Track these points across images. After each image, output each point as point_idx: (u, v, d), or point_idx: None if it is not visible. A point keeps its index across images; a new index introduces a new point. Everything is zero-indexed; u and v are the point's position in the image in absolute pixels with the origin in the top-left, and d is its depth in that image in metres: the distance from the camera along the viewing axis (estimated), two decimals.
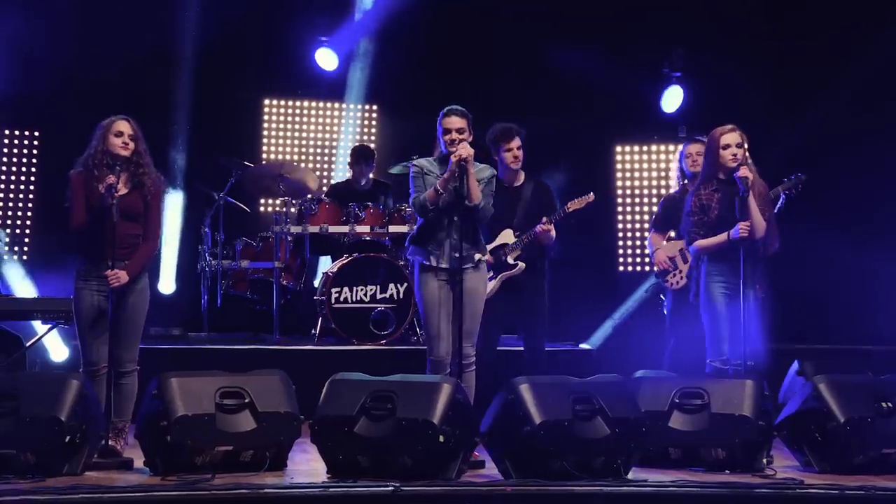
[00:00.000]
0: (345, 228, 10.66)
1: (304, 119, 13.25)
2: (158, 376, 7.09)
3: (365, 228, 10.71)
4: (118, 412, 7.50)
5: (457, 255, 7.65)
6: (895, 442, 7.42)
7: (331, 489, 6.45)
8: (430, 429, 6.71)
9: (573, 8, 12.22)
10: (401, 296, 10.47)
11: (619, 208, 12.79)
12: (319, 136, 13.26)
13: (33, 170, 11.85)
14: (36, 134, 11.86)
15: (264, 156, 12.97)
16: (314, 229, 10.69)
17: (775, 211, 8.75)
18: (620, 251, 12.75)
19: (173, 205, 11.91)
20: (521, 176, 8.89)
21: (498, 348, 9.01)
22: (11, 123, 11.84)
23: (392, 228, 10.69)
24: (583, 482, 6.67)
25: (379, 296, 10.47)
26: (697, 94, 12.37)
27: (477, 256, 7.85)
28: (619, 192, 12.82)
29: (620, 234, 12.72)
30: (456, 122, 7.74)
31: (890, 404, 7.46)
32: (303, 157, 13.12)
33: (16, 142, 11.84)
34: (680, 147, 9.56)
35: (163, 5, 11.91)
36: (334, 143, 13.22)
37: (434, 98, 11.91)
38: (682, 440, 7.46)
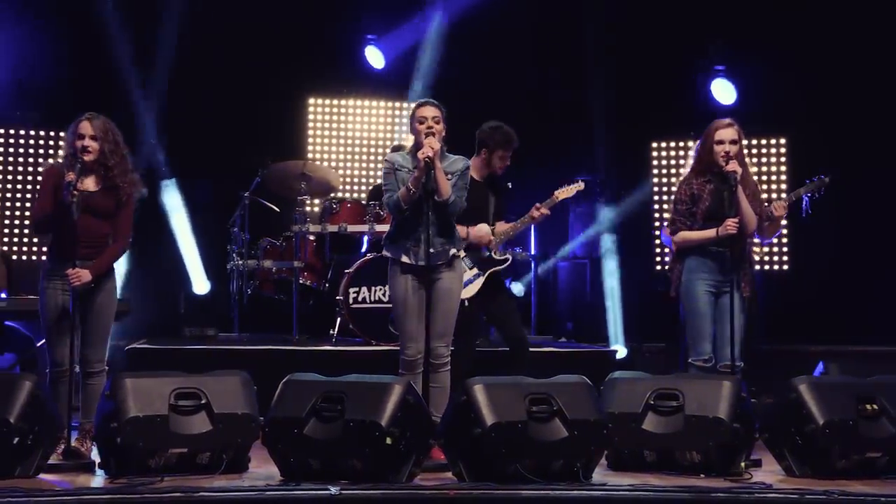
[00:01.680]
0: (364, 227, 10.40)
1: (350, 117, 13.08)
2: (112, 377, 6.92)
3: (384, 227, 10.35)
4: (85, 413, 7.33)
5: (431, 250, 7.35)
6: (881, 445, 7.00)
7: (267, 492, 6.20)
8: (377, 430, 6.45)
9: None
10: None
11: (656, 206, 12.33)
12: (365, 134, 13.06)
13: None
14: (61, 135, 11.72)
15: (310, 154, 12.82)
16: (333, 228, 10.46)
17: (802, 214, 8.34)
18: (657, 248, 12.25)
19: (206, 204, 11.74)
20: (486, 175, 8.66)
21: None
22: (39, 124, 11.78)
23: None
24: (530, 486, 6.35)
25: None
26: (736, 88, 11.88)
27: (451, 252, 7.56)
28: (656, 188, 12.37)
29: (657, 231, 12.23)
30: (430, 111, 7.48)
31: (875, 406, 7.01)
32: (348, 156, 12.95)
33: (41, 142, 11.81)
34: None
35: (208, 4, 11.79)
36: (380, 142, 12.99)
37: (477, 96, 11.85)
38: (656, 443, 7.09)
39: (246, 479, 6.69)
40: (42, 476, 6.75)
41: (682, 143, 12.30)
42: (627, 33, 11.96)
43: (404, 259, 7.51)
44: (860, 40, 11.49)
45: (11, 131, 11.77)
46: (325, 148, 12.95)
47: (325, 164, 12.61)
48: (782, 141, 12.10)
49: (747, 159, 8.11)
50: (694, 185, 7.86)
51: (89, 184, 7.29)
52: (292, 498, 6.17)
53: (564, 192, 8.63)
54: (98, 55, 11.56)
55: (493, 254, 8.52)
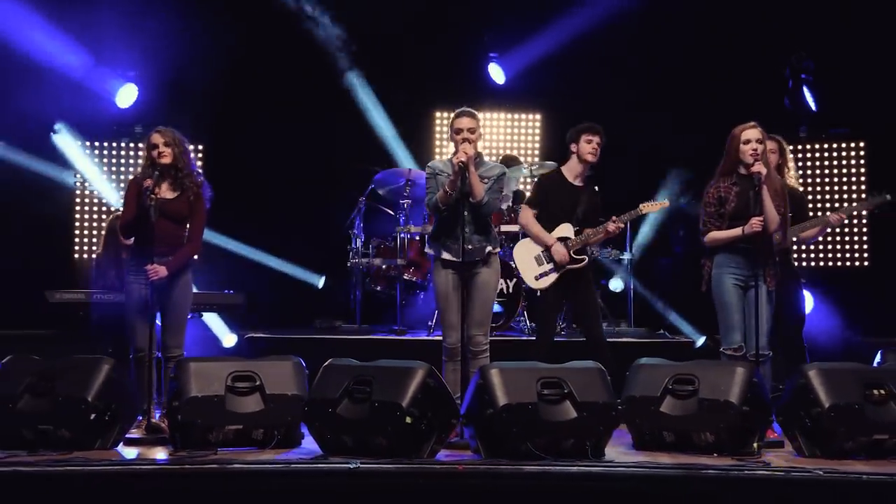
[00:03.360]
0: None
1: None
2: (177, 361, 7.27)
3: None
4: (166, 393, 7.68)
5: (469, 247, 7.51)
6: (888, 428, 6.88)
7: (293, 465, 6.45)
8: (398, 411, 6.62)
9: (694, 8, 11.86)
10: (510, 290, 10.32)
11: None
12: (486, 143, 13.20)
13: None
14: (200, 147, 12.26)
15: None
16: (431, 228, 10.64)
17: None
18: None
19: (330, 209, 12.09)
20: (584, 177, 8.64)
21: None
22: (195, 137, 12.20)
23: (504, 227, 10.53)
24: (536, 461, 6.45)
25: None
26: (818, 95, 11.71)
27: (488, 249, 7.69)
28: None
29: None
30: (466, 122, 7.66)
31: (882, 391, 6.88)
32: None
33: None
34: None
35: (340, 25, 12.19)
36: (501, 150, 13.15)
37: (586, 105, 11.88)
38: (673, 424, 7.09)
39: (294, 454, 6.92)
40: (121, 448, 7.16)
41: None
42: (716, 43, 11.83)
43: (444, 255, 7.69)
44: None
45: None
46: (450, 155, 13.10)
47: None
48: (861, 144, 11.84)
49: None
50: (721, 188, 7.82)
51: (165, 191, 7.69)
52: (316, 471, 6.41)
53: (648, 207, 8.59)
54: (236, 71, 12.06)
55: (570, 254, 8.55)
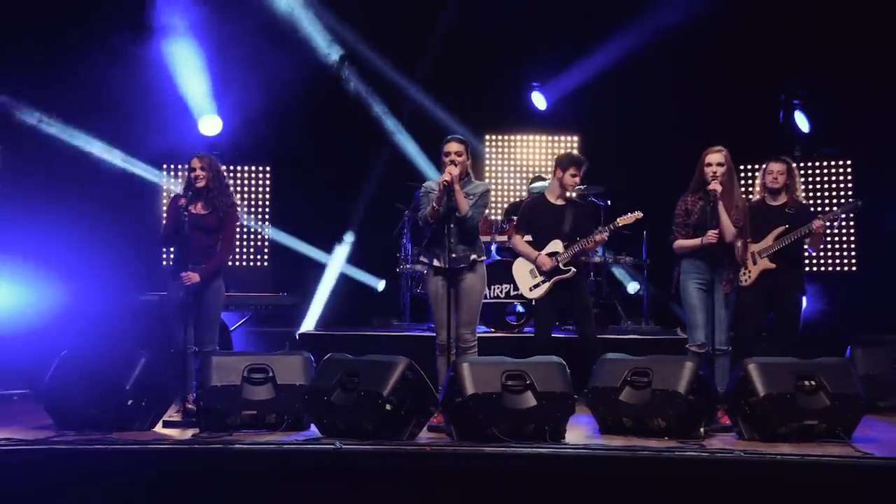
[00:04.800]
0: (486, 238, 10.90)
1: (518, 150, 13.63)
2: (202, 355, 7.77)
3: (503, 238, 10.96)
4: None
5: (454, 255, 7.87)
6: (817, 415, 7.10)
7: (285, 446, 6.84)
8: (379, 399, 7.00)
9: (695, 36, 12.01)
10: None
11: None
12: (529, 162, 13.57)
13: (267, 198, 12.80)
14: (267, 169, 12.81)
15: (486, 179, 13.31)
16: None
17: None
18: None
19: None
20: (565, 197, 8.90)
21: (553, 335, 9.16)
22: (247, 161, 12.85)
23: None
24: (499, 443, 6.78)
25: (513, 293, 10.66)
26: (811, 118, 11.91)
27: (472, 257, 8.02)
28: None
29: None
30: (454, 147, 8.00)
31: (813, 382, 7.09)
32: (515, 181, 13.49)
33: (245, 175, 12.87)
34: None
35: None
36: (543, 168, 13.45)
37: (618, 128, 12.18)
38: (631, 412, 7.39)
39: (297, 437, 7.33)
40: (157, 429, 7.70)
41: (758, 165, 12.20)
42: (723, 73, 12.05)
43: (435, 263, 8.06)
44: None
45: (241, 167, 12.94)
46: (498, 174, 13.53)
47: (500, 187, 13.39)
48: (848, 162, 11.96)
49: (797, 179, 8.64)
50: (689, 202, 8.12)
51: (199, 207, 8.21)
52: (304, 451, 6.81)
53: (624, 220, 8.80)
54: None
55: (559, 265, 8.84)
